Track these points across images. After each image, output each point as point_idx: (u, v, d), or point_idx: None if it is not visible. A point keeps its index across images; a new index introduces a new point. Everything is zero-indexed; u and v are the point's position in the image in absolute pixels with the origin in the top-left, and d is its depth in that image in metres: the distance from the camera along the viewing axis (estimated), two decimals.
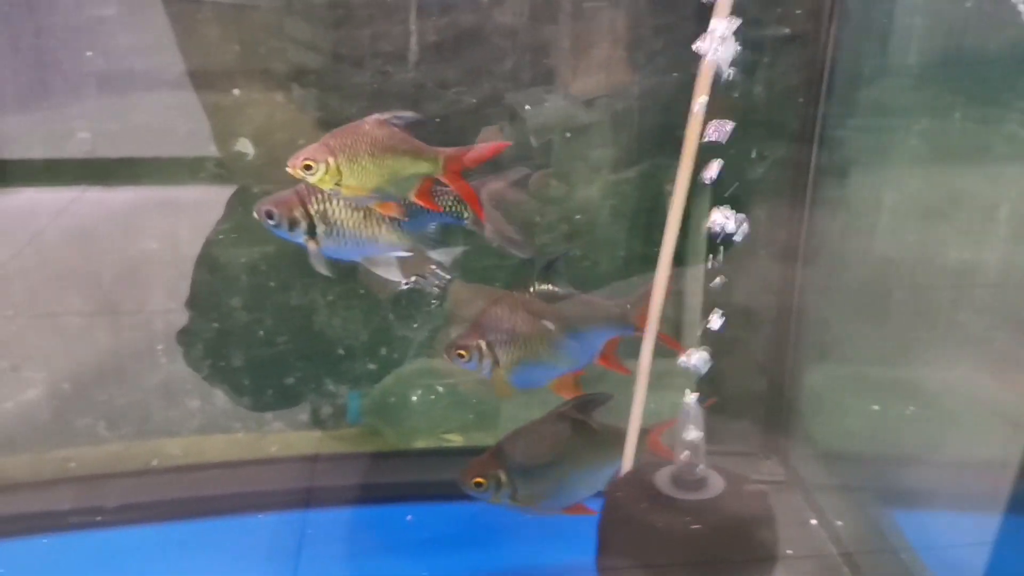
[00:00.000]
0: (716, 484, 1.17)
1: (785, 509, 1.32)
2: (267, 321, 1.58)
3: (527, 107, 1.43)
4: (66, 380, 1.70)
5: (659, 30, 1.46)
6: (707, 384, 1.23)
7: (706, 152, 1.14)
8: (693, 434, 1.16)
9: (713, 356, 1.22)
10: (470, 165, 1.09)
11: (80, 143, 1.56)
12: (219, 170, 1.50)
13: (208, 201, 1.55)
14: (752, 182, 1.47)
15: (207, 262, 1.55)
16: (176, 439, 1.70)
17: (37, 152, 1.60)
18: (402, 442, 1.73)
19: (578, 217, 1.53)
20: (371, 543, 1.52)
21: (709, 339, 1.23)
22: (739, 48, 1.09)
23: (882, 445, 1.51)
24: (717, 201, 1.20)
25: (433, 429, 1.71)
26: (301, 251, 1.12)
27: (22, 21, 1.49)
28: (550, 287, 1.19)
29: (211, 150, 1.50)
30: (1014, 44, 1.20)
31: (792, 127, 1.50)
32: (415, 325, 1.50)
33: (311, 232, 1.08)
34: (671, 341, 1.22)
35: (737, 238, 1.16)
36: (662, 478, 1.19)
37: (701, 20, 1.43)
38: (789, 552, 1.24)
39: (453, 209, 1.12)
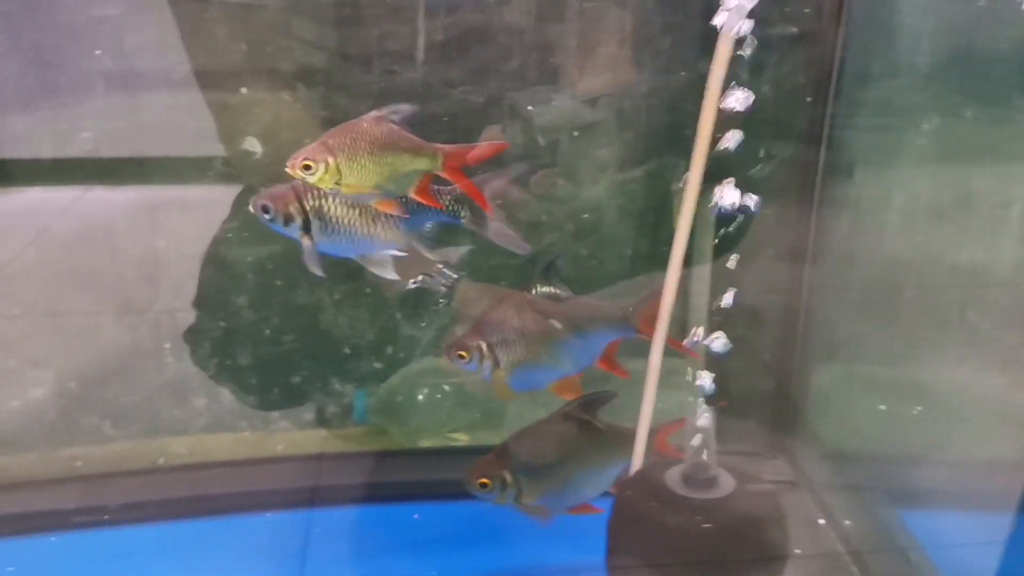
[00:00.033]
0: (727, 483, 1.16)
1: (793, 508, 1.32)
2: (274, 320, 1.58)
3: (529, 107, 1.42)
4: (73, 379, 1.70)
5: (665, 29, 1.46)
6: (716, 384, 1.23)
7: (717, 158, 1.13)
8: (703, 434, 1.16)
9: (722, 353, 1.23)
10: (471, 163, 1.09)
11: (86, 142, 1.56)
12: (226, 169, 1.50)
13: (215, 200, 1.55)
14: (759, 182, 1.47)
15: (214, 261, 1.55)
16: (182, 438, 1.70)
17: (45, 151, 1.60)
18: (408, 441, 1.73)
19: (586, 216, 1.53)
20: (378, 542, 1.52)
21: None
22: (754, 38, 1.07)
23: (890, 445, 1.51)
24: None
25: (439, 428, 1.71)
26: (329, 256, 1.12)
27: (31, 21, 1.49)
28: (551, 289, 1.19)
29: (218, 149, 1.50)
30: (1022, 43, 1.20)
31: (800, 126, 1.49)
32: (422, 324, 1.50)
33: (307, 228, 1.08)
34: (678, 344, 1.22)
35: (754, 209, 1.14)
36: (672, 477, 1.19)
37: (707, 19, 1.43)
38: (797, 551, 1.24)
39: (451, 208, 1.11)
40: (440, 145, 1.07)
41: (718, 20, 1.06)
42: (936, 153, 1.41)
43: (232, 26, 1.43)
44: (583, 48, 1.45)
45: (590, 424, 1.24)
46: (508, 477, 1.21)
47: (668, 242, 1.55)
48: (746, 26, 1.05)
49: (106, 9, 1.47)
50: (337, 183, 1.02)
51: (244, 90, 1.46)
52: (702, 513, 1.14)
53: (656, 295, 1.21)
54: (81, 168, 1.59)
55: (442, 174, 1.07)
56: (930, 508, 1.43)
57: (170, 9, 1.43)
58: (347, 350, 1.61)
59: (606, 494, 1.25)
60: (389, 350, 1.62)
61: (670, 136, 1.52)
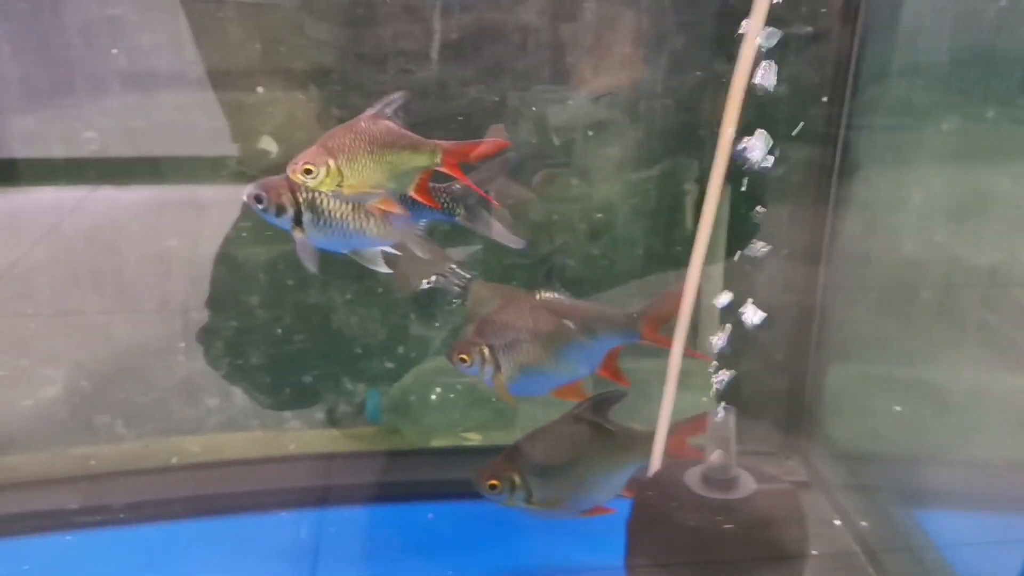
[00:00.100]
0: (747, 484, 1.16)
1: (807, 509, 1.31)
2: (286, 319, 1.59)
3: (533, 108, 1.43)
4: (86, 378, 1.71)
5: (679, 29, 1.46)
6: (729, 384, 1.23)
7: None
8: (724, 436, 1.15)
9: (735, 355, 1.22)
10: (472, 160, 1.08)
11: (96, 142, 1.56)
12: (239, 168, 1.50)
13: (228, 200, 1.55)
14: (775, 181, 1.46)
15: (227, 261, 1.56)
16: (195, 437, 1.71)
17: (57, 151, 1.60)
18: (421, 441, 1.74)
19: (599, 215, 1.53)
20: (390, 541, 1.51)
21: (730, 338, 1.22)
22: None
23: (905, 445, 1.50)
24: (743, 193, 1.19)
25: (452, 428, 1.71)
26: (324, 251, 1.12)
27: (45, 20, 1.49)
28: (553, 294, 1.18)
29: (231, 148, 1.50)
30: None
31: (816, 126, 1.49)
32: (436, 324, 1.50)
33: (299, 220, 1.07)
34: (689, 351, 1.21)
35: (767, 165, 1.12)
36: (692, 477, 1.18)
37: (720, 20, 1.43)
38: (814, 552, 1.23)
39: (446, 206, 1.11)
40: (439, 141, 1.07)
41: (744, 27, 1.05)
42: (953, 153, 1.40)
43: (246, 26, 1.43)
44: (597, 47, 1.45)
45: (602, 427, 1.23)
46: (517, 479, 1.21)
47: (680, 242, 1.56)
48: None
49: (118, 8, 1.47)
50: (339, 185, 1.01)
51: (260, 89, 1.46)
52: (722, 514, 1.13)
53: (661, 300, 1.21)
54: (93, 167, 1.59)
55: (442, 170, 1.07)
56: (946, 509, 1.43)
57: (183, 9, 1.43)
58: (359, 350, 1.61)
59: (620, 497, 1.25)
60: (401, 350, 1.62)
61: (683, 136, 1.52)
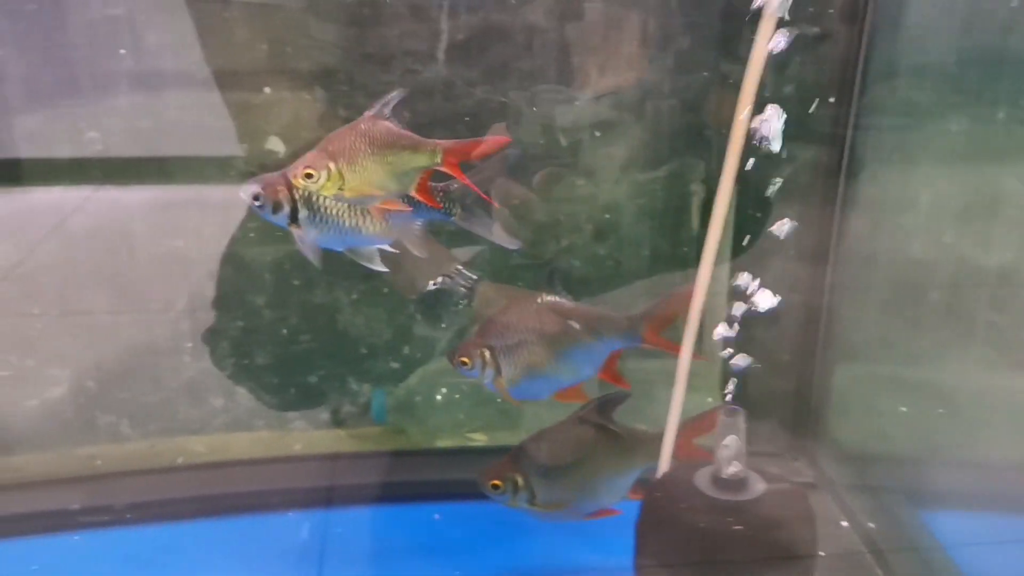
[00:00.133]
0: (757, 485, 1.16)
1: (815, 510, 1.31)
2: (292, 320, 1.59)
3: (539, 108, 1.42)
4: (91, 378, 1.71)
5: (684, 29, 1.46)
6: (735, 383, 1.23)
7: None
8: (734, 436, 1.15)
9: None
10: (472, 159, 1.08)
11: (101, 142, 1.56)
12: (246, 168, 1.50)
13: (234, 200, 1.54)
14: (782, 181, 1.46)
15: (233, 261, 1.56)
16: (200, 437, 1.71)
17: (62, 151, 1.60)
18: (427, 441, 1.74)
19: (606, 216, 1.53)
20: (396, 542, 1.51)
21: (735, 341, 1.22)
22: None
23: (912, 446, 1.50)
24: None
25: (458, 428, 1.71)
26: (328, 250, 1.12)
27: (50, 20, 1.50)
28: (554, 297, 1.18)
29: (239, 149, 1.50)
30: None
31: (823, 126, 1.49)
32: (442, 325, 1.50)
33: (295, 218, 1.07)
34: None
35: (775, 147, 1.11)
36: (702, 478, 1.18)
37: (726, 20, 1.43)
38: (821, 553, 1.23)
39: (444, 206, 1.11)
40: (439, 140, 1.06)
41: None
42: (960, 153, 1.40)
43: (252, 26, 1.43)
44: (603, 47, 1.45)
45: (607, 429, 1.23)
46: (520, 480, 1.20)
47: (687, 242, 1.56)
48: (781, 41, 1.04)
49: (123, 8, 1.47)
50: (340, 188, 1.01)
51: (267, 90, 1.46)
52: (732, 515, 1.13)
53: (663, 302, 1.21)
54: (99, 167, 1.60)
55: (443, 169, 1.07)
56: (953, 510, 1.43)
57: (189, 9, 1.43)
58: (364, 350, 1.61)
59: (626, 499, 1.25)
60: (407, 350, 1.62)
61: (690, 136, 1.52)
